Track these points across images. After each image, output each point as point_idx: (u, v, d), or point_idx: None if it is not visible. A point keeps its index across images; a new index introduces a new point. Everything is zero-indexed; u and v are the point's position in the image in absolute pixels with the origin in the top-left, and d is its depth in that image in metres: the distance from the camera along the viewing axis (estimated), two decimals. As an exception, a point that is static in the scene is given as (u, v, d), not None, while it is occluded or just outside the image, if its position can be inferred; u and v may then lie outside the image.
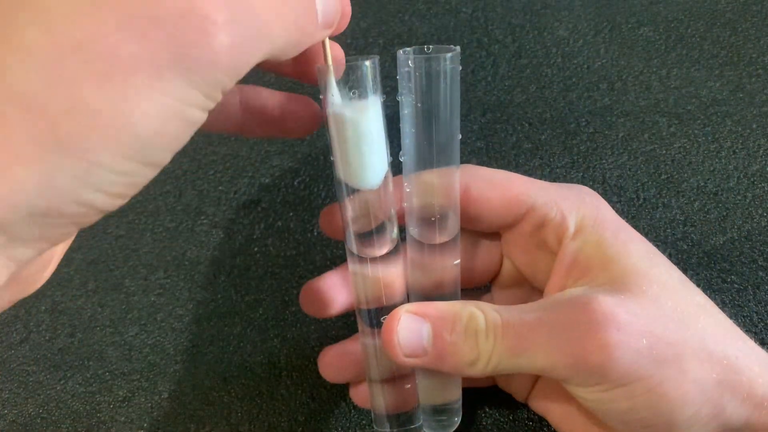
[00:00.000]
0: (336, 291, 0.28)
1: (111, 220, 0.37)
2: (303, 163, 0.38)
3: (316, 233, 0.36)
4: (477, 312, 0.23)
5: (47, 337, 0.34)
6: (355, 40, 0.41)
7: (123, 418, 0.32)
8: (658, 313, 0.23)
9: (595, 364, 0.22)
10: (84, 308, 0.35)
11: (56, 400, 0.32)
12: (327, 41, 0.22)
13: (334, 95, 0.22)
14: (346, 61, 0.22)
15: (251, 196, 0.37)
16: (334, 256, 0.35)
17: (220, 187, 0.37)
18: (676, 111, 0.38)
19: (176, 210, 0.37)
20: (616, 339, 0.21)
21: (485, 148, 0.37)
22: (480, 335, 0.23)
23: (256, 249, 0.35)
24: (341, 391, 0.32)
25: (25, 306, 0.35)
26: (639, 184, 0.36)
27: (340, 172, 0.23)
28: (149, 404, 0.32)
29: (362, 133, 0.22)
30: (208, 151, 0.39)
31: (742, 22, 0.40)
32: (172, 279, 0.35)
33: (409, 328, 0.23)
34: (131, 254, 0.36)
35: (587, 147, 0.37)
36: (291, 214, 0.36)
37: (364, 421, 0.31)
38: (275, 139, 0.38)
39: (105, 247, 0.36)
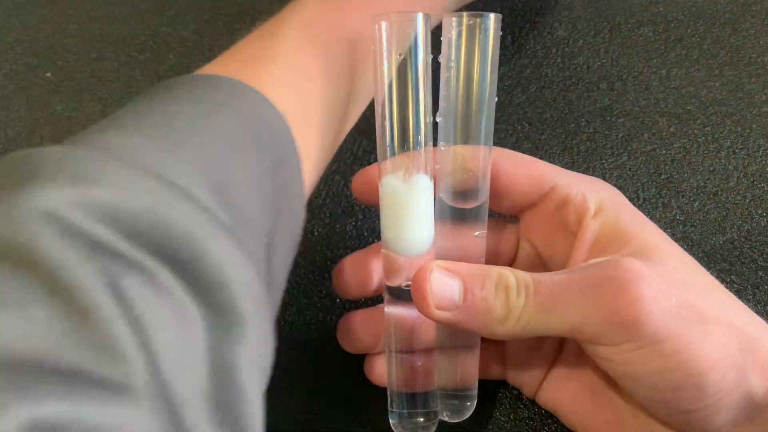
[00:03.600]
0: (372, 267, 0.28)
1: (111, 220, 0.37)
2: (303, 163, 0.38)
3: (316, 233, 0.36)
4: (507, 272, 0.24)
5: (47, 337, 0.34)
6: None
7: (123, 418, 0.32)
8: (682, 280, 0.24)
9: (627, 319, 0.22)
10: (84, 308, 0.34)
11: (56, 399, 0.32)
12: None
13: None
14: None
15: (251, 196, 0.37)
16: (334, 256, 0.35)
17: (220, 187, 0.37)
18: (676, 111, 0.38)
19: (176, 210, 0.37)
20: (649, 294, 0.22)
21: (485, 148, 0.37)
22: (511, 291, 0.23)
23: (256, 249, 0.35)
24: (341, 391, 0.32)
25: (26, 306, 0.35)
26: (639, 184, 0.36)
27: (388, 241, 0.25)
28: (149, 404, 0.32)
29: (410, 206, 0.24)
30: (209, 151, 0.39)
31: (742, 22, 0.40)
32: (172, 279, 0.35)
33: (441, 282, 0.23)
34: (131, 254, 0.36)
35: (587, 147, 0.37)
36: (291, 214, 0.36)
37: (364, 421, 0.31)
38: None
39: (105, 247, 0.36)
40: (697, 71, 0.39)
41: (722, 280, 0.33)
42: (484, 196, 0.26)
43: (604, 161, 0.37)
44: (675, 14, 0.41)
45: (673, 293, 0.23)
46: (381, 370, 0.29)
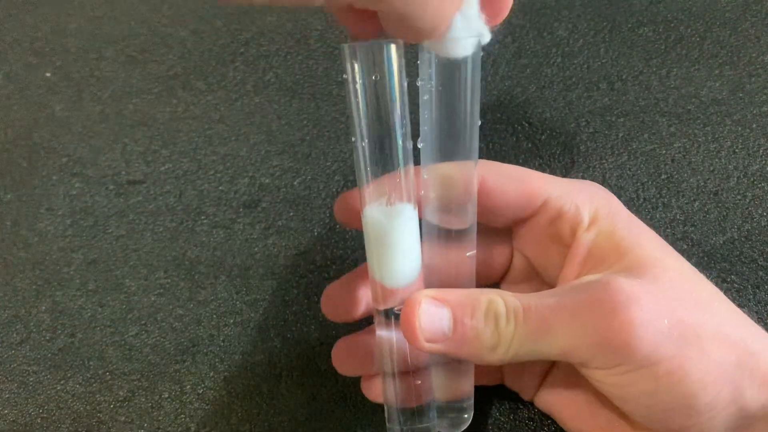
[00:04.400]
0: (359, 293, 0.28)
1: (111, 220, 0.37)
2: (303, 163, 0.38)
3: (316, 233, 0.36)
4: (496, 297, 0.23)
5: (47, 337, 0.34)
6: (354, 40, 0.41)
7: (123, 418, 0.32)
8: (676, 296, 0.23)
9: (618, 343, 0.22)
10: (84, 308, 0.35)
11: (56, 400, 0.32)
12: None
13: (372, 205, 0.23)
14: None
15: (251, 196, 0.37)
16: (334, 256, 0.35)
17: (220, 187, 0.38)
18: (676, 111, 0.38)
19: (176, 210, 0.37)
20: (639, 317, 0.21)
21: (485, 148, 0.37)
22: (500, 319, 0.23)
23: (256, 249, 0.35)
24: (341, 391, 0.32)
25: (25, 306, 0.35)
26: (639, 184, 0.36)
27: (374, 272, 0.24)
28: (149, 404, 0.32)
29: (395, 238, 0.23)
30: (208, 151, 0.39)
31: (742, 22, 0.40)
32: (172, 279, 0.35)
33: (430, 313, 0.23)
34: (131, 254, 0.36)
35: (587, 147, 0.37)
36: (291, 214, 0.36)
37: (364, 421, 0.31)
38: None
39: (105, 247, 0.36)
40: (697, 71, 0.39)
41: (722, 280, 0.33)
42: (471, 219, 0.25)
43: (604, 161, 0.37)
44: (675, 14, 0.41)
45: (666, 312, 0.22)
46: (379, 390, 0.28)
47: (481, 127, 0.38)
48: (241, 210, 0.37)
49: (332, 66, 0.40)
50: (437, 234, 0.25)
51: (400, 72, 0.22)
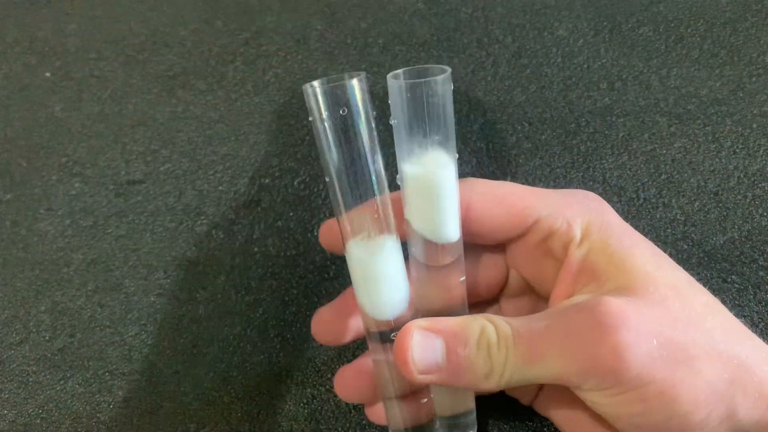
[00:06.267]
0: (349, 318, 0.28)
1: (111, 220, 0.37)
2: (303, 163, 0.38)
3: (316, 233, 0.36)
4: (488, 324, 0.23)
5: (47, 337, 0.34)
6: (355, 39, 0.41)
7: (123, 418, 0.32)
8: (667, 314, 0.23)
9: (607, 368, 0.21)
10: (84, 308, 0.34)
11: (56, 400, 0.32)
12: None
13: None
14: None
15: (251, 196, 0.37)
16: (334, 257, 0.35)
17: (220, 187, 0.37)
18: (676, 111, 0.38)
19: (176, 210, 0.37)
20: (627, 340, 0.21)
21: (485, 148, 0.37)
22: (492, 347, 0.23)
23: (256, 249, 0.35)
24: (341, 391, 0.32)
25: (25, 306, 0.35)
26: (639, 184, 0.36)
27: (363, 305, 0.24)
28: (149, 404, 0.32)
29: (379, 272, 0.23)
30: (208, 151, 0.39)
31: (742, 22, 0.40)
32: (172, 279, 0.35)
33: (422, 345, 0.23)
34: (131, 254, 0.36)
35: (587, 147, 0.37)
36: (291, 214, 0.36)
37: (364, 422, 0.31)
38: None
39: (105, 247, 0.36)
40: (698, 71, 0.39)
41: (723, 280, 0.33)
42: (458, 250, 0.25)
43: (604, 161, 0.36)
44: (675, 14, 0.41)
45: (655, 332, 0.22)
46: (382, 414, 0.28)
47: (481, 128, 0.38)
48: (241, 210, 0.37)
49: (332, 66, 0.40)
50: (426, 267, 0.25)
51: (365, 105, 0.22)
